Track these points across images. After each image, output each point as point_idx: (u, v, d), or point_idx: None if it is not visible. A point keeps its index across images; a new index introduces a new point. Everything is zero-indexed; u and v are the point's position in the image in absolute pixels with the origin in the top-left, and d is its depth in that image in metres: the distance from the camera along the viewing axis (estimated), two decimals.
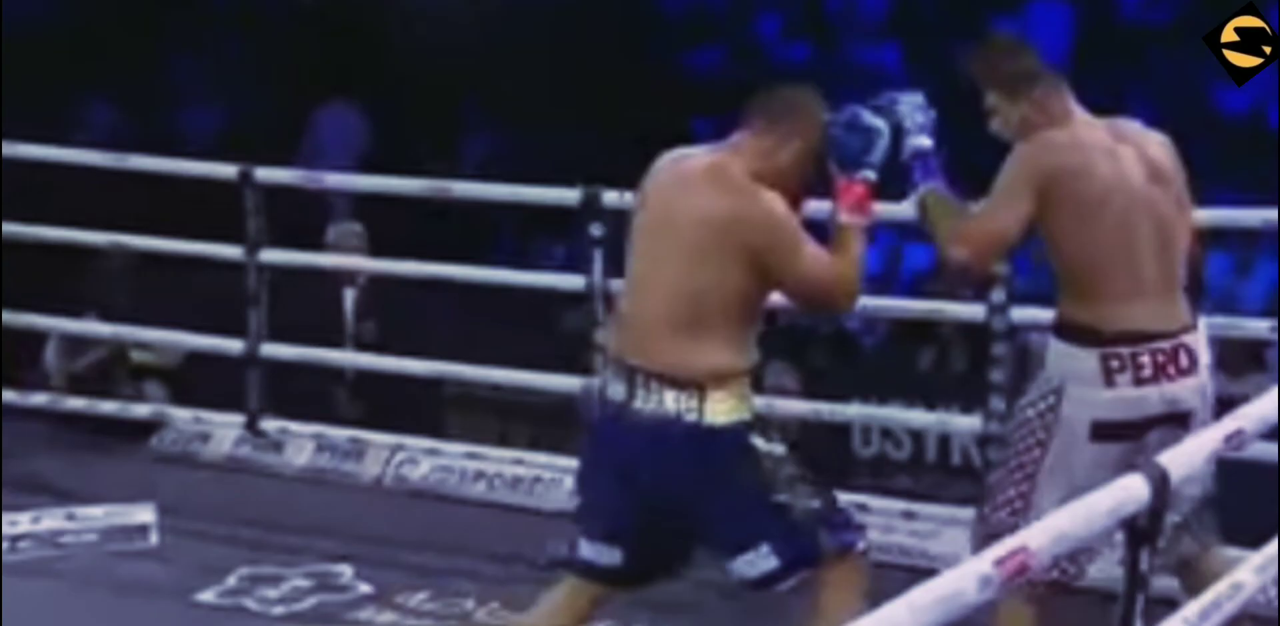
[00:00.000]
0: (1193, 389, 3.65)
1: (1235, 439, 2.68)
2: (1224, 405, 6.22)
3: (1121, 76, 9.90)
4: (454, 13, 10.29)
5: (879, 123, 3.52)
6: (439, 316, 6.97)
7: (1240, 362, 6.86)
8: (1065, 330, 3.64)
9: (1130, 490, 2.43)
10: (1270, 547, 2.85)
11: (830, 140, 3.50)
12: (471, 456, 5.69)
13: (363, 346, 6.73)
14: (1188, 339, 3.65)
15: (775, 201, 3.42)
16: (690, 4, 11.02)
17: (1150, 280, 3.64)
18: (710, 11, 10.98)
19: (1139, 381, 3.60)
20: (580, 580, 3.58)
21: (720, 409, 3.39)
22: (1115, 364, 3.60)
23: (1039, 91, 3.71)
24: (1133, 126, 3.77)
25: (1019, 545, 2.12)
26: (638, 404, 3.41)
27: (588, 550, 3.55)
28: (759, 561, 3.40)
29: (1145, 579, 2.59)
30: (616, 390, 3.46)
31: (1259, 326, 4.61)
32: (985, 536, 3.60)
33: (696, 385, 3.39)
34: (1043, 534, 2.23)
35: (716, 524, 3.42)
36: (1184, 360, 3.64)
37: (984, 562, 2.01)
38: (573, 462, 5.31)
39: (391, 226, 7.11)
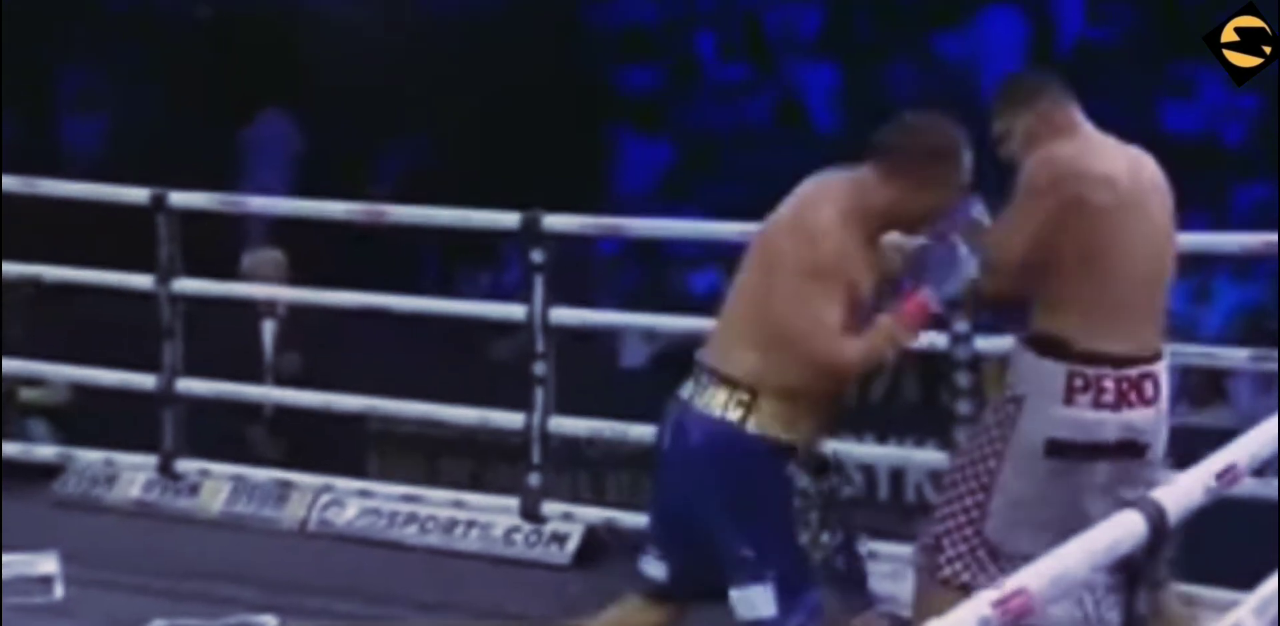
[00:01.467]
0: (1153, 420, 3.70)
1: (1229, 474, 2.70)
2: (1186, 437, 6.31)
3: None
4: (369, 26, 10.28)
5: (970, 267, 3.56)
6: (363, 348, 6.94)
7: (1203, 393, 6.93)
8: (1036, 341, 3.68)
9: (1128, 527, 2.45)
10: (1267, 587, 2.88)
11: (926, 255, 3.58)
12: (404, 498, 5.66)
13: (283, 381, 6.69)
14: (1155, 368, 3.70)
15: (843, 243, 3.46)
16: (624, 21, 11.08)
17: (1138, 302, 3.69)
18: (645, 29, 11.04)
19: (1098, 404, 3.64)
20: (638, 596, 3.64)
21: (766, 421, 3.45)
22: (1079, 382, 3.64)
23: (1044, 103, 3.76)
24: (1129, 146, 3.84)
25: (1018, 587, 2.13)
26: (694, 400, 3.51)
27: (644, 563, 3.62)
28: (758, 602, 3.42)
29: (1143, 622, 2.62)
30: (686, 388, 3.56)
31: (1235, 355, 4.65)
32: (936, 536, 3.66)
33: (750, 389, 3.46)
34: (1041, 574, 2.24)
35: (732, 540, 3.46)
36: (1149, 390, 3.69)
37: (983, 604, 2.03)
38: (510, 502, 5.34)
39: (309, 253, 7.08)
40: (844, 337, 3.46)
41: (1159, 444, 3.72)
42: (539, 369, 5.17)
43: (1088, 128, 3.78)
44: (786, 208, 3.59)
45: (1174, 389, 6.90)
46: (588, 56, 10.89)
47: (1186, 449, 5.83)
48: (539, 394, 5.17)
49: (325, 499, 5.93)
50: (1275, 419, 2.94)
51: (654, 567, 3.61)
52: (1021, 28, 10.20)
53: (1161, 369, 3.71)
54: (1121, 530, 2.45)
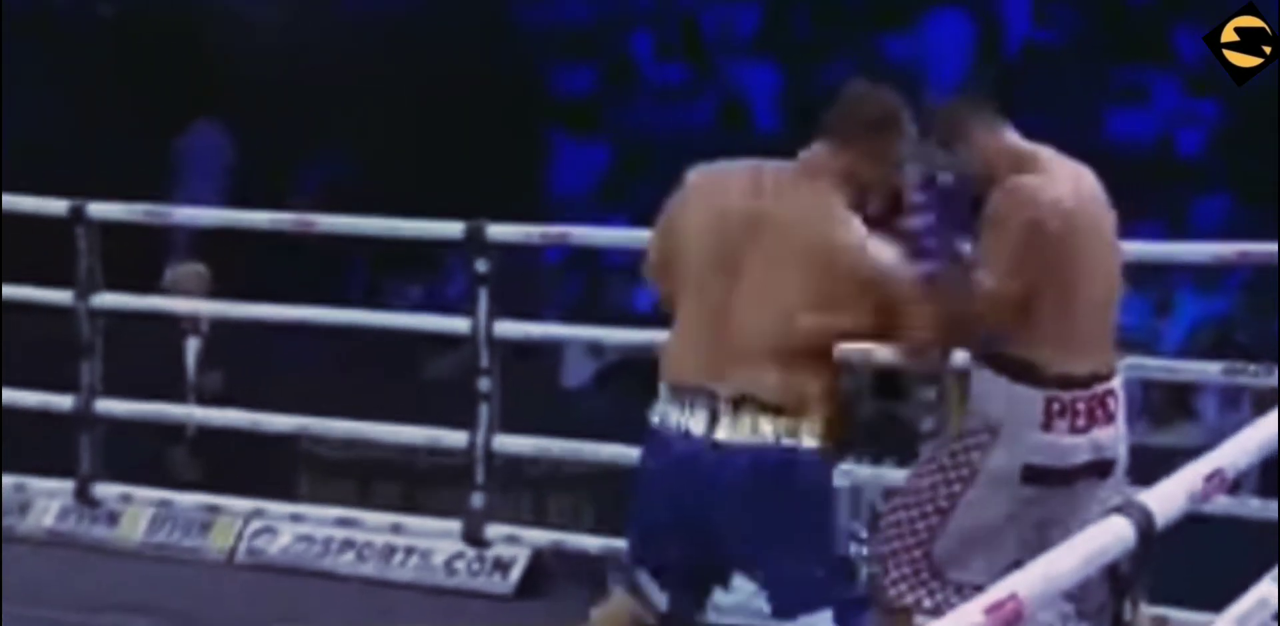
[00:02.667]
0: (1115, 437, 3.78)
1: (1216, 479, 2.77)
2: (1153, 457, 6.39)
3: (1013, 99, 10.13)
4: (285, 26, 10.25)
5: None
6: (290, 366, 6.94)
7: (1167, 410, 7.02)
8: (1010, 367, 3.73)
9: (1116, 533, 2.50)
10: (1238, 607, 2.95)
11: None
12: (339, 523, 5.65)
13: (206, 400, 6.68)
14: (1115, 384, 3.79)
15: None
16: (556, 20, 11.12)
17: (1099, 321, 3.78)
18: (578, 29, 11.09)
19: (1074, 428, 3.72)
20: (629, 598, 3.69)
21: (818, 437, 3.55)
22: (1056, 407, 3.71)
23: (981, 132, 3.82)
24: (1068, 160, 3.90)
25: (1008, 593, 2.18)
26: (723, 434, 3.53)
27: (644, 586, 3.67)
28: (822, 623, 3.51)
29: None
30: (696, 420, 3.55)
31: (1207, 369, 4.71)
32: (881, 557, 3.74)
33: (797, 407, 3.53)
34: (1031, 580, 2.30)
35: (784, 569, 3.53)
36: (1111, 406, 3.77)
37: (974, 612, 2.08)
38: (452, 526, 5.35)
39: (234, 266, 7.08)
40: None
41: (1121, 460, 3.80)
42: (484, 385, 5.19)
43: (1038, 151, 3.83)
44: (763, 212, 3.61)
45: (1136, 406, 7.04)
46: (518, 57, 10.92)
47: (1154, 470, 5.93)
48: (483, 411, 5.19)
49: (255, 525, 5.92)
50: (1256, 428, 3.00)
51: (655, 595, 3.65)
52: (967, 29, 10.31)
53: (1119, 384, 3.80)
54: (1110, 536, 2.50)
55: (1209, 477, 2.74)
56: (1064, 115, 9.81)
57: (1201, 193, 9.38)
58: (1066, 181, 3.79)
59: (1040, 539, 3.75)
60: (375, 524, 5.61)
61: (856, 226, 3.60)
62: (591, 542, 5.42)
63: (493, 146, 9.85)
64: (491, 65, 10.48)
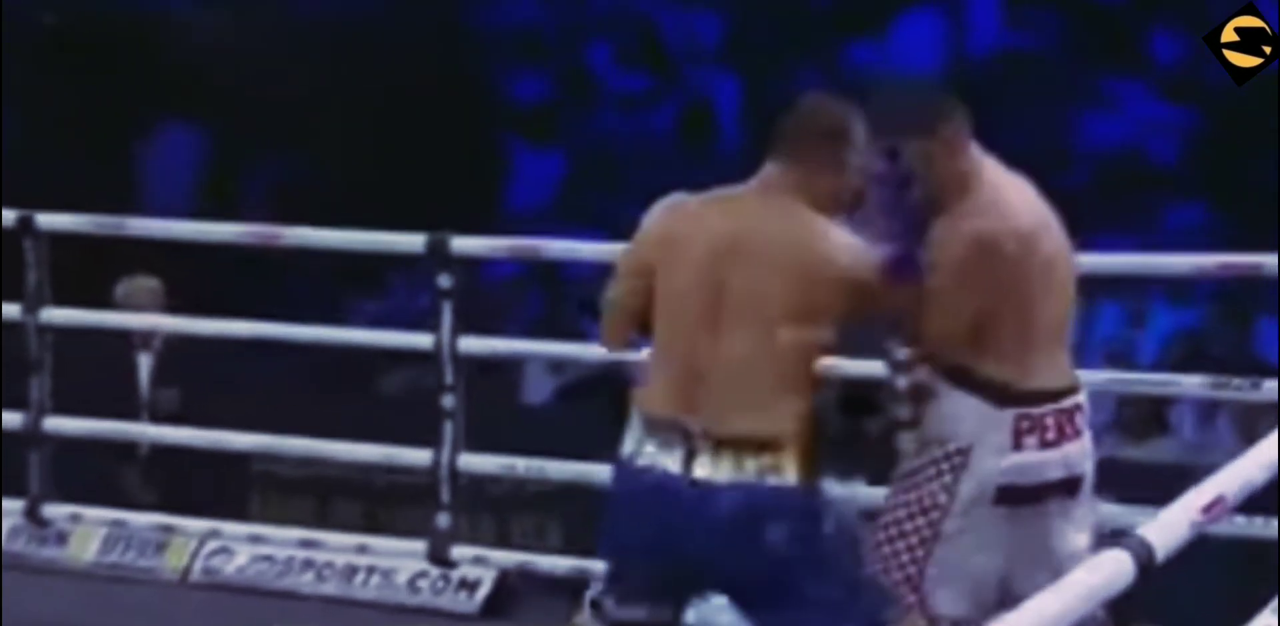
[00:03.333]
0: (1084, 451, 3.79)
1: (1216, 508, 2.76)
2: (1129, 473, 6.41)
3: (982, 104, 10.15)
4: (232, 31, 10.20)
5: None
6: (244, 383, 6.91)
7: (1142, 424, 7.04)
8: (978, 387, 3.73)
9: (1116, 567, 2.49)
10: None
11: None
12: (299, 543, 5.62)
13: (160, 418, 6.64)
14: (1081, 397, 3.80)
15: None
16: (512, 25, 11.10)
17: (1059, 334, 3.78)
18: (535, 36, 11.08)
19: (1044, 444, 3.72)
20: None
21: (801, 469, 3.53)
22: (1025, 425, 3.72)
23: (950, 129, 3.81)
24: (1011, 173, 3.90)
25: None
26: (703, 472, 3.51)
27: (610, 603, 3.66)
28: None
29: None
30: (670, 458, 3.54)
31: (1189, 382, 4.73)
32: None
33: (776, 444, 3.51)
34: (1031, 618, 2.29)
35: (819, 593, 3.53)
36: (1079, 420, 3.78)
37: None
38: (416, 546, 5.34)
39: (187, 280, 7.04)
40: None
41: (1089, 475, 3.81)
42: (447, 402, 5.16)
43: (983, 167, 3.81)
44: (718, 235, 3.59)
45: (1109, 420, 7.06)
46: (473, 63, 10.90)
47: (1131, 485, 5.96)
48: (447, 429, 5.16)
49: (211, 545, 5.89)
50: (1258, 450, 2.99)
51: (628, 613, 3.64)
52: (937, 34, 10.33)
53: (1085, 398, 3.81)
54: (1110, 570, 2.49)
55: (1210, 506, 2.73)
56: (1038, 119, 9.86)
57: (1174, 200, 9.42)
58: (1014, 199, 3.78)
59: (1021, 567, 3.77)
60: (336, 544, 5.58)
61: (838, 234, 3.60)
62: (559, 563, 5.40)
63: (447, 154, 9.83)
64: (446, 71, 10.46)
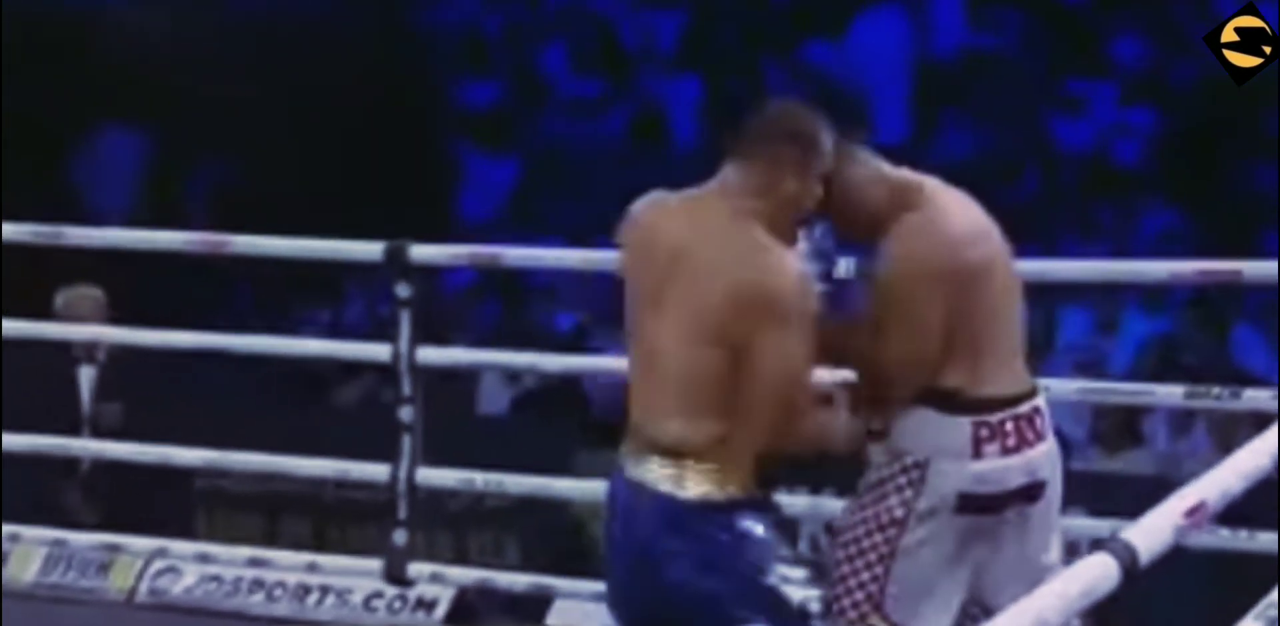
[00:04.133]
0: (1047, 455, 3.83)
1: (1198, 513, 2.80)
2: (1105, 485, 6.45)
3: (946, 106, 10.22)
4: (168, 31, 10.17)
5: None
6: (191, 395, 6.89)
7: (1116, 435, 7.09)
8: (931, 397, 3.77)
9: (1101, 570, 2.53)
10: None
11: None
12: (250, 562, 5.62)
13: (102, 433, 6.63)
14: (1040, 401, 3.84)
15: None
16: (460, 29, 11.11)
17: (1009, 338, 3.83)
18: (486, 40, 11.09)
19: (1005, 450, 3.76)
20: None
21: (699, 480, 3.55)
22: (985, 432, 3.76)
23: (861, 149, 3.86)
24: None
25: None
26: (636, 475, 3.61)
27: None
28: None
29: None
30: (627, 459, 3.65)
31: (1170, 392, 4.75)
32: (839, 613, 3.75)
33: (679, 453, 3.56)
34: (1015, 622, 2.32)
35: (695, 615, 3.56)
36: (1039, 424, 3.82)
37: None
38: (372, 564, 5.34)
39: (129, 289, 7.02)
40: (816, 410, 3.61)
41: (1056, 481, 3.85)
42: (405, 415, 5.17)
43: (921, 181, 3.87)
44: (668, 245, 3.63)
45: (1083, 431, 7.10)
46: (422, 66, 10.91)
47: (1105, 498, 5.99)
48: (406, 442, 5.17)
49: (157, 565, 5.88)
50: (1243, 455, 3.03)
51: None
52: (901, 35, 10.38)
53: (1043, 401, 3.86)
54: (1095, 574, 2.52)
55: (1192, 510, 2.77)
56: (1006, 121, 9.93)
57: (1143, 204, 9.49)
58: (958, 211, 3.83)
59: (991, 578, 3.80)
60: (288, 562, 5.58)
61: (779, 258, 3.59)
62: (518, 579, 5.41)
63: (397, 159, 9.83)
64: (393, 74, 10.47)
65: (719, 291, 3.54)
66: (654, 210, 3.74)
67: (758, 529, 3.58)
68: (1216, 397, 4.63)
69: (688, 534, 3.57)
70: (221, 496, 7.15)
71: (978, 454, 3.75)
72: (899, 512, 3.77)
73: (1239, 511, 3.15)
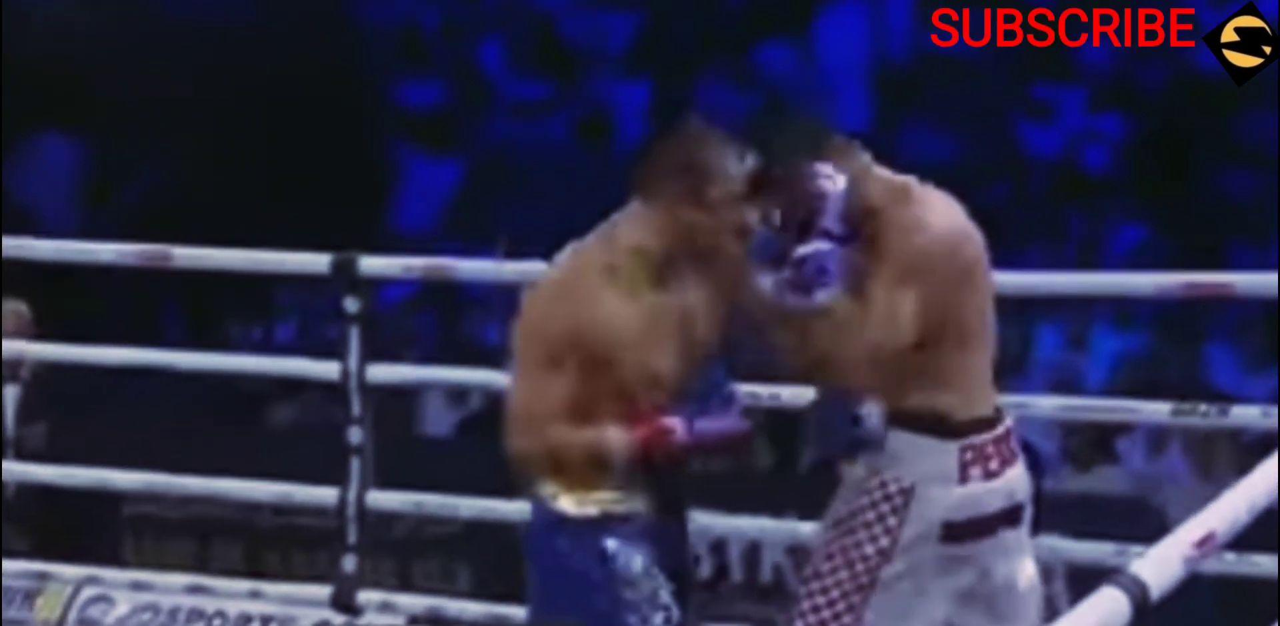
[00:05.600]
0: (1022, 476, 3.85)
1: (1208, 543, 2.82)
2: (1079, 506, 6.49)
3: (910, 111, 10.27)
4: (91, 30, 10.11)
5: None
6: (119, 416, 6.87)
7: (1088, 452, 7.14)
8: (918, 421, 3.78)
9: (1112, 607, 2.54)
10: None
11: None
12: (189, 590, 5.59)
13: (26, 456, 6.58)
14: (1010, 421, 3.87)
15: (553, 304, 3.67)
16: (402, 32, 11.09)
17: (987, 356, 3.85)
18: (425, 40, 11.08)
19: (987, 474, 3.77)
20: None
21: (574, 496, 3.65)
22: (970, 456, 3.76)
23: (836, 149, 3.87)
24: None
25: None
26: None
27: None
28: None
29: None
30: None
31: (1157, 409, 4.77)
32: None
33: (544, 465, 3.66)
34: None
35: None
36: (1012, 444, 3.84)
37: None
38: (318, 591, 5.32)
39: (57, 304, 6.98)
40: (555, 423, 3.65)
41: (1029, 503, 3.87)
42: (354, 436, 5.17)
43: (908, 181, 3.89)
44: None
45: (1054, 449, 7.15)
46: (356, 64, 10.88)
47: (1079, 518, 6.03)
48: (354, 464, 5.16)
49: (88, 593, 5.84)
50: (1250, 482, 3.05)
51: None
52: (860, 37, 10.42)
53: (1012, 422, 3.88)
54: (1106, 610, 2.54)
55: (1202, 541, 2.79)
56: (965, 127, 9.97)
57: (1113, 213, 9.56)
58: (946, 210, 3.84)
59: (965, 605, 3.82)
60: (229, 590, 5.56)
61: (535, 292, 3.74)
62: (472, 608, 5.41)
63: (333, 164, 9.80)
64: (328, 75, 10.43)
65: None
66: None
67: (627, 555, 3.67)
68: (1203, 415, 4.65)
69: (550, 554, 3.70)
70: (151, 522, 7.11)
71: (964, 478, 3.75)
72: (883, 542, 3.75)
73: (1249, 537, 3.18)
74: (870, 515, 3.77)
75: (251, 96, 9.94)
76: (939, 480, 3.74)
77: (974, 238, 3.83)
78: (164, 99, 9.83)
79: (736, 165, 3.68)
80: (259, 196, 9.30)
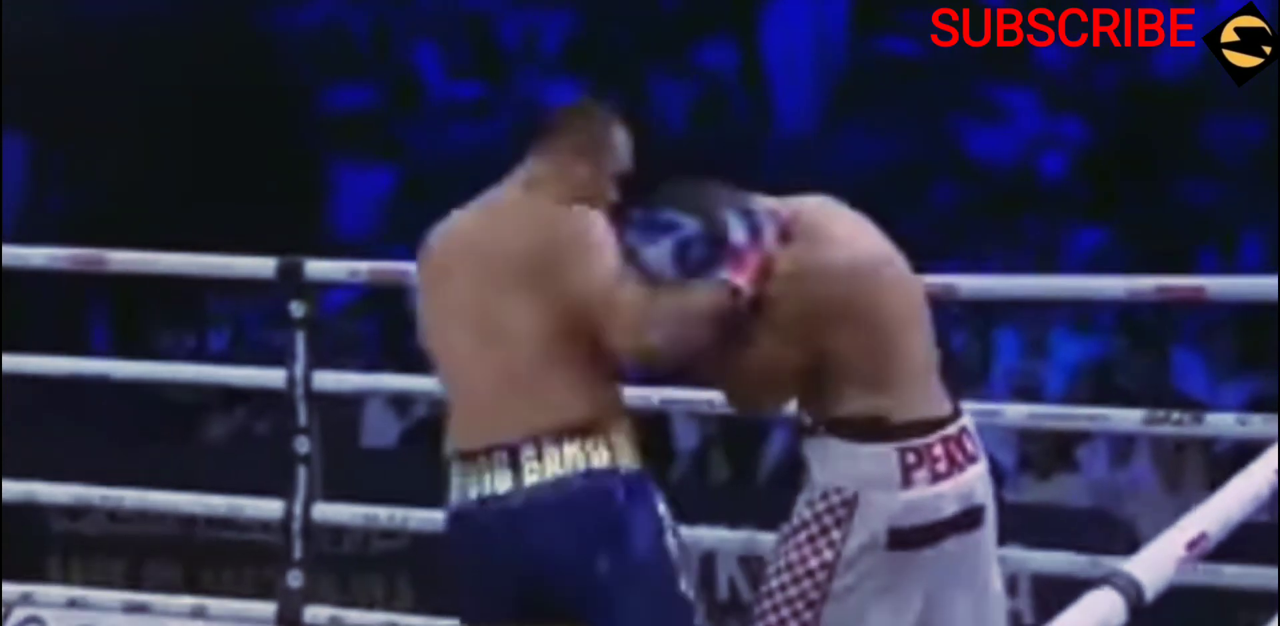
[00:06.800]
0: (981, 477, 3.89)
1: (1199, 545, 2.86)
2: (1035, 513, 6.53)
3: (855, 116, 10.32)
4: (15, 34, 10.09)
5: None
6: (49, 431, 6.85)
7: (1048, 461, 7.19)
8: (851, 428, 3.83)
9: (1108, 607, 2.58)
10: None
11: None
12: (128, 608, 5.57)
13: None
14: (966, 421, 3.91)
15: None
16: (329, 33, 11.09)
17: (920, 360, 3.90)
18: (353, 42, 11.08)
19: (935, 476, 3.81)
20: None
21: (627, 452, 3.81)
22: (911, 459, 3.80)
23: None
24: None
25: None
26: (530, 479, 3.74)
27: None
28: None
29: None
30: (486, 482, 3.76)
31: (1129, 417, 4.80)
32: None
33: (592, 428, 3.79)
34: None
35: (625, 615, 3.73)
36: (969, 445, 3.88)
37: None
38: (263, 608, 5.31)
39: None
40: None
41: (990, 505, 3.91)
42: (302, 445, 5.16)
43: (801, 204, 3.97)
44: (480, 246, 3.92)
45: (1014, 458, 7.19)
46: (284, 69, 10.87)
47: (1044, 530, 6.07)
48: (302, 475, 5.16)
49: (19, 614, 5.81)
50: (1237, 484, 3.10)
51: None
52: (804, 36, 10.46)
53: (971, 422, 3.93)
54: (1102, 611, 2.57)
55: (1193, 543, 2.83)
56: (915, 129, 10.03)
57: (1071, 219, 9.62)
58: (837, 239, 3.88)
59: (934, 614, 3.85)
60: (169, 608, 5.54)
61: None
62: (415, 622, 5.42)
63: (262, 169, 9.80)
64: (255, 79, 10.42)
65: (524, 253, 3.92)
66: (458, 223, 4.08)
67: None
68: (1177, 423, 4.68)
69: (640, 517, 3.86)
70: (79, 540, 7.09)
71: (907, 482, 3.79)
72: (828, 555, 3.79)
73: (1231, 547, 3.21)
74: (815, 528, 3.81)
75: (179, 99, 9.92)
76: (881, 485, 3.78)
77: (869, 263, 3.88)
78: (86, 106, 9.81)
79: (621, 140, 4.00)
80: (189, 201, 9.28)
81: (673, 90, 10.45)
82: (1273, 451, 3.22)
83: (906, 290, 3.92)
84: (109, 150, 9.94)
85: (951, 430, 3.84)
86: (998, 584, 3.95)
